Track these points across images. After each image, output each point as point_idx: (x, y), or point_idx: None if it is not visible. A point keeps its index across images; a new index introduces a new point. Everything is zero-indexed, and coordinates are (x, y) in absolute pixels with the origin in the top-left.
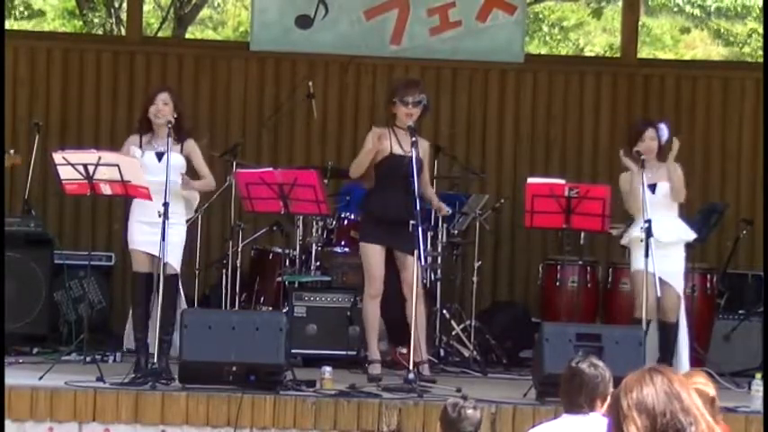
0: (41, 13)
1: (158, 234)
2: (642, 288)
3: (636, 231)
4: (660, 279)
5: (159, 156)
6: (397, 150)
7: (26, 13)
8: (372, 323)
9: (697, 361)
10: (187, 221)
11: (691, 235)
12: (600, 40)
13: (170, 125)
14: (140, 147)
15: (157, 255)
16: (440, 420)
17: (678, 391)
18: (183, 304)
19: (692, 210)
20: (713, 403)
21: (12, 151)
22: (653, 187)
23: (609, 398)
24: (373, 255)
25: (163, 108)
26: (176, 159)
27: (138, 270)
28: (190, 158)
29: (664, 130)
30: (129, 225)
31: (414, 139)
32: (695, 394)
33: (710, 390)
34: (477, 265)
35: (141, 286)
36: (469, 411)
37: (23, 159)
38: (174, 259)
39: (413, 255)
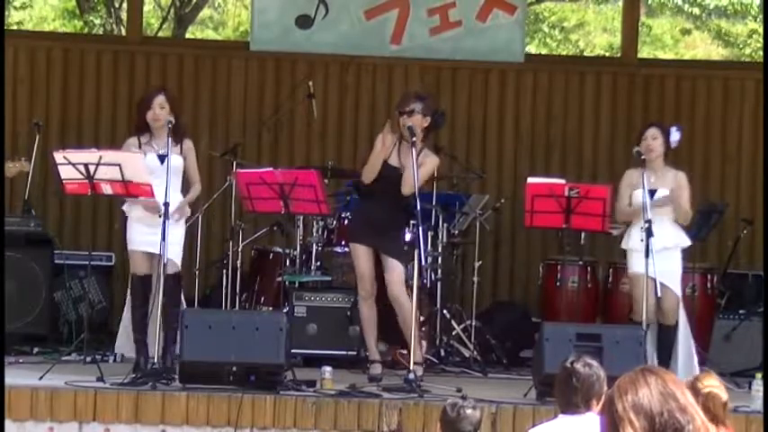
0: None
1: (157, 234)
2: (640, 290)
3: (635, 234)
4: (659, 281)
5: (161, 158)
6: (393, 161)
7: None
8: (367, 324)
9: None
10: (187, 222)
11: (686, 241)
12: (600, 40)
13: (170, 125)
14: (140, 148)
15: (157, 253)
16: (439, 420)
17: (673, 391)
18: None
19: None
20: (725, 407)
21: (23, 159)
22: (652, 193)
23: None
24: (359, 255)
25: (160, 112)
26: (177, 161)
27: (136, 271)
28: (186, 158)
29: (674, 133)
30: (127, 226)
31: (413, 139)
32: (689, 392)
33: (723, 394)
34: (477, 265)
35: (140, 288)
36: (468, 411)
37: (24, 159)
38: (175, 258)
39: (395, 258)
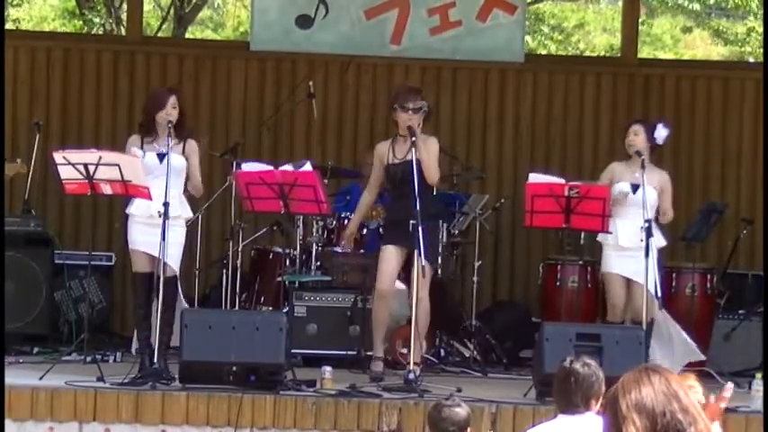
0: None
1: (158, 234)
2: (614, 291)
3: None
4: (628, 280)
5: (161, 157)
6: (392, 160)
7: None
8: (379, 322)
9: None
10: (187, 222)
11: (661, 241)
12: (600, 40)
13: (170, 125)
14: (141, 147)
15: (157, 255)
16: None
17: (676, 391)
18: (183, 304)
19: (692, 209)
20: (703, 408)
21: (18, 160)
22: (635, 188)
23: (602, 397)
24: (386, 252)
25: (172, 112)
26: (179, 160)
27: (138, 270)
28: (188, 159)
29: (660, 130)
30: (128, 225)
31: (413, 138)
32: (693, 394)
33: (701, 396)
34: (477, 265)
35: (142, 286)
36: (448, 411)
37: (23, 159)
38: (174, 260)
39: (426, 259)
